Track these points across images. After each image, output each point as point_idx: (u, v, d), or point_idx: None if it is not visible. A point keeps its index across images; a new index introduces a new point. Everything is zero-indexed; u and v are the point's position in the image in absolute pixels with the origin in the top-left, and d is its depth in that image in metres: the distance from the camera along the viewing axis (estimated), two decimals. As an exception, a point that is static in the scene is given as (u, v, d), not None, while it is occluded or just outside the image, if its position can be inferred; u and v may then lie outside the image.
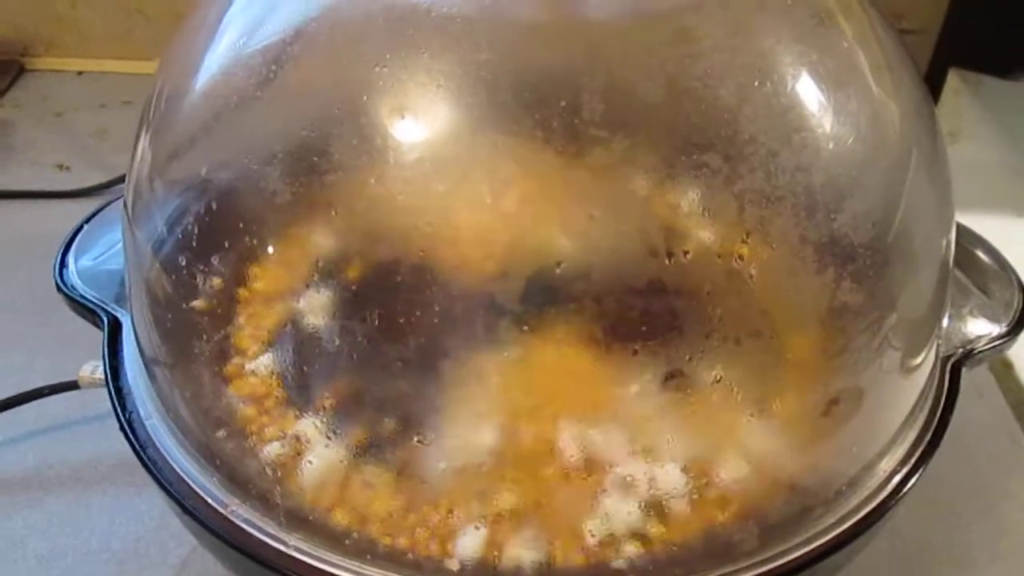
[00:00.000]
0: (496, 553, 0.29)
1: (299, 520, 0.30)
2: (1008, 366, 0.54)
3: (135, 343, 0.36)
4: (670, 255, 0.27)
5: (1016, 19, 0.67)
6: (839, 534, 0.31)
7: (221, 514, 0.31)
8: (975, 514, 0.45)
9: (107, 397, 0.34)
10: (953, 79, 0.71)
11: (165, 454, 0.32)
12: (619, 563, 0.29)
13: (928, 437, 0.34)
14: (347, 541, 0.29)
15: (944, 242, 0.34)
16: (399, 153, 0.28)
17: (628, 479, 0.28)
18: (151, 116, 0.34)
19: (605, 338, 0.28)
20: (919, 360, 0.34)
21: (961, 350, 0.37)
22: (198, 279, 0.31)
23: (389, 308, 0.28)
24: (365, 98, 0.29)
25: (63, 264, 0.40)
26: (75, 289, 0.39)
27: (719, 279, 0.28)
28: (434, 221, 0.28)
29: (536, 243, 0.28)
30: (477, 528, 0.29)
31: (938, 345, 0.36)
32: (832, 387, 0.30)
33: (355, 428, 0.29)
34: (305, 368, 0.30)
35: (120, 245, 0.38)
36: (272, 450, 0.30)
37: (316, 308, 0.29)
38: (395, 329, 0.28)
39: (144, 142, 0.34)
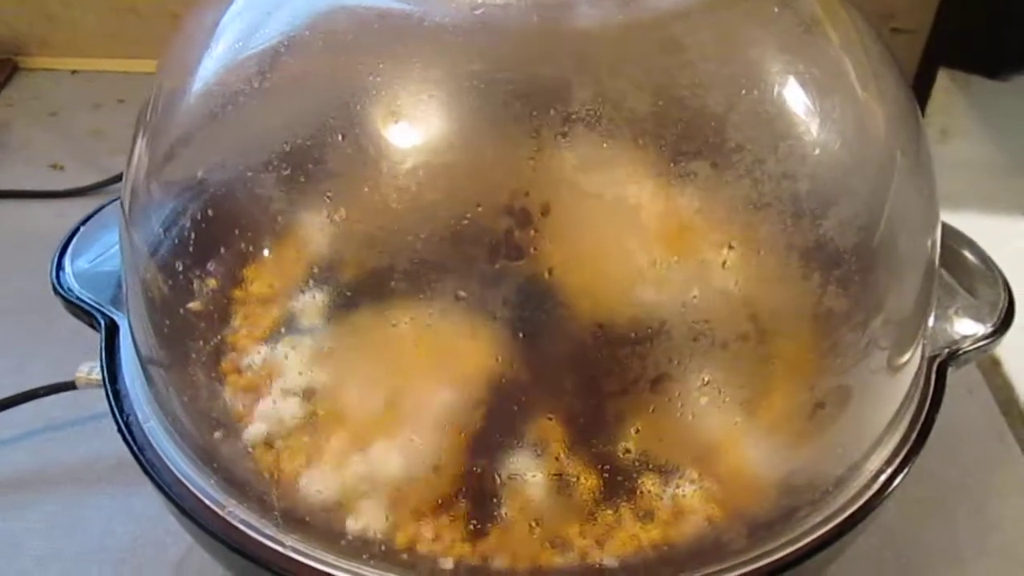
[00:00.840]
0: (489, 553, 0.29)
1: (296, 521, 0.30)
2: (996, 363, 0.54)
3: (132, 345, 0.36)
4: (657, 260, 0.28)
5: (1005, 19, 0.67)
6: (825, 533, 0.31)
7: (218, 515, 0.31)
8: (964, 511, 0.46)
9: (103, 397, 0.35)
10: (943, 79, 0.72)
11: (163, 456, 0.33)
12: (609, 562, 0.29)
13: (914, 437, 0.34)
14: (343, 541, 0.30)
15: (929, 243, 0.34)
16: (391, 162, 0.29)
17: (618, 480, 0.29)
18: (148, 119, 0.35)
19: (595, 340, 0.28)
20: (905, 361, 0.34)
21: (947, 350, 0.37)
22: (195, 281, 0.32)
23: (382, 312, 0.29)
24: (358, 106, 0.29)
25: (60, 267, 0.40)
26: (72, 292, 0.39)
27: (706, 285, 0.28)
28: (425, 228, 0.28)
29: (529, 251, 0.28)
30: (473, 528, 0.29)
31: (924, 346, 0.36)
32: (818, 389, 0.30)
33: (353, 427, 0.30)
34: (301, 368, 0.31)
35: (116, 247, 0.38)
36: (270, 451, 0.31)
37: (311, 310, 0.30)
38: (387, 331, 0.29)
39: (141, 145, 0.35)
